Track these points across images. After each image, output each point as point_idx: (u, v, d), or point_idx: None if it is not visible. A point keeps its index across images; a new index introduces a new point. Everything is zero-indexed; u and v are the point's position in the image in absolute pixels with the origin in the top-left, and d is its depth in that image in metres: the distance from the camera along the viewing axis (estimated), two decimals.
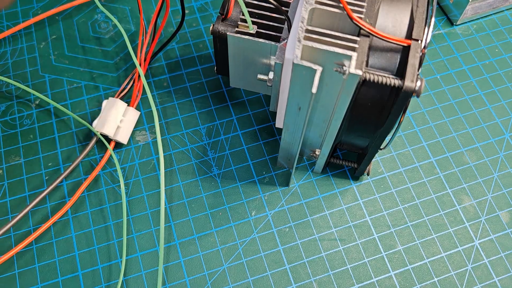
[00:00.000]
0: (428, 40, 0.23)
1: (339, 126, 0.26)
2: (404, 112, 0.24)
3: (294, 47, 0.22)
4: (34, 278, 0.28)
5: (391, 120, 0.24)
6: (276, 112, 0.29)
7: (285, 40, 0.26)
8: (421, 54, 0.22)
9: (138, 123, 0.32)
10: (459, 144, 0.32)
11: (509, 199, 0.30)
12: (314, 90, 0.21)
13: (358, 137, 0.27)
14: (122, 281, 0.27)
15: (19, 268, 0.28)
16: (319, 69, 0.21)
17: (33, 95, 0.32)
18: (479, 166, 0.32)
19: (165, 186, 0.30)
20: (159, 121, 0.32)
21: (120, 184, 0.30)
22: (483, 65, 0.35)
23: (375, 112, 0.24)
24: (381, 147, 0.27)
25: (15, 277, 0.28)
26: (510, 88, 0.34)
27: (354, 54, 0.21)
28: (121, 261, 0.28)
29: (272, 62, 0.27)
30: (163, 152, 0.31)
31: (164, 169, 0.30)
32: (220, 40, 0.27)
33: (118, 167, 0.29)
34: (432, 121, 0.33)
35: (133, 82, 0.31)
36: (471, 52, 0.35)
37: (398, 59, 0.23)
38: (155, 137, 0.32)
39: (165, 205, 0.30)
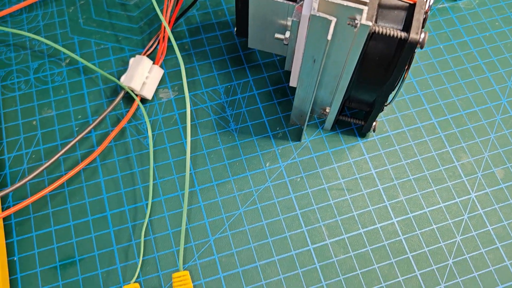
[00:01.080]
0: (431, 2, 0.25)
1: (348, 80, 0.28)
2: (409, 65, 0.26)
3: (310, 5, 0.24)
4: (66, 217, 0.30)
5: (397, 73, 0.27)
6: (290, 72, 0.32)
7: (301, 2, 0.28)
8: (424, 14, 0.24)
9: (161, 81, 0.34)
10: (459, 107, 0.35)
11: (504, 158, 0.33)
12: (329, 37, 0.23)
13: (365, 92, 0.29)
14: (148, 221, 0.30)
15: (53, 208, 0.30)
16: (334, 19, 0.23)
17: (64, 54, 0.35)
18: (477, 127, 0.34)
19: (187, 138, 0.32)
20: (181, 80, 0.34)
21: (144, 136, 0.32)
22: (484, 37, 0.37)
23: (382, 66, 0.27)
24: (386, 103, 0.30)
25: (49, 216, 0.30)
26: (509, 59, 0.36)
27: (365, 8, 0.24)
28: (146, 204, 0.31)
29: (289, 23, 0.30)
30: (185, 109, 0.33)
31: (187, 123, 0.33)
32: (241, 1, 0.29)
33: (145, 115, 0.31)
34: (434, 87, 0.35)
35: (158, 43, 0.34)
36: (472, 25, 0.38)
37: (404, 16, 0.26)
38: (177, 95, 0.34)
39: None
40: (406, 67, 0.27)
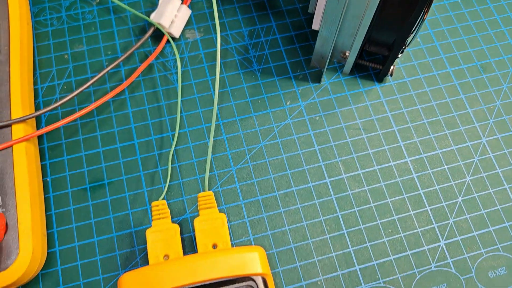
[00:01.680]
0: None
1: (370, 19, 0.29)
2: (429, 5, 0.28)
3: None
4: (96, 144, 0.32)
5: (418, 12, 0.28)
6: (313, 15, 0.33)
7: None
8: None
9: (188, 22, 0.36)
10: (474, 58, 0.36)
11: None
12: None
13: (386, 32, 0.31)
14: (174, 150, 0.31)
15: (83, 135, 0.32)
16: None
17: None
18: (491, 78, 0.35)
19: (211, 76, 0.34)
20: (207, 22, 0.36)
21: (170, 72, 0.34)
22: None
23: (404, 5, 0.28)
24: (405, 45, 0.31)
25: (80, 142, 0.32)
26: None
27: None
28: (172, 134, 0.32)
29: None
30: (210, 49, 0.35)
31: (212, 62, 0.34)
32: None
33: (175, 49, 0.33)
34: (451, 38, 0.37)
35: None
36: None
37: None
38: (203, 36, 0.35)
39: (211, 91, 0.34)
40: (426, 7, 0.28)
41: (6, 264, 0.25)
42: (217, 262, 0.25)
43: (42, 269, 0.29)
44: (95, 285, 0.28)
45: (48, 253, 0.29)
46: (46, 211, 0.30)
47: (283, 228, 0.30)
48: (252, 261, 0.25)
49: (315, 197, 0.31)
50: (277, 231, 0.30)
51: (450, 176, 0.32)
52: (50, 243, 0.29)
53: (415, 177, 0.32)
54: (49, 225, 0.30)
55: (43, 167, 0.31)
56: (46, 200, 0.30)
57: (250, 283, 0.25)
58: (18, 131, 0.28)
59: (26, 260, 0.26)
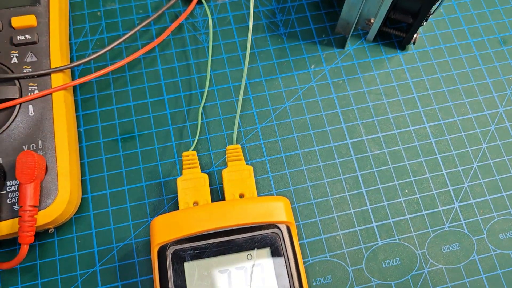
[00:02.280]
0: None
1: None
2: None
3: None
4: (127, 98, 0.33)
5: None
6: None
7: None
8: None
9: None
10: (495, 30, 0.37)
11: None
12: None
13: (411, 0, 0.32)
14: (203, 107, 0.33)
15: (115, 89, 0.33)
16: None
17: None
18: (510, 50, 0.36)
19: (239, 37, 0.35)
20: None
21: (200, 33, 0.35)
22: None
23: None
24: (430, 12, 0.32)
25: (112, 96, 0.33)
26: None
27: None
28: (200, 92, 0.33)
29: None
30: (238, 11, 0.36)
31: (240, 24, 0.35)
32: None
33: (207, 8, 0.34)
34: (473, 10, 0.37)
35: None
36: None
37: None
38: None
39: (238, 52, 0.35)
40: None
41: (46, 204, 0.27)
42: (244, 209, 0.27)
43: (75, 213, 0.30)
44: (124, 230, 0.30)
45: (81, 199, 0.30)
46: (79, 159, 0.31)
47: (305, 184, 0.32)
48: (277, 209, 0.27)
49: (336, 157, 0.32)
50: (299, 187, 0.31)
51: (467, 143, 0.33)
52: (83, 190, 0.31)
53: (433, 142, 0.33)
54: (82, 173, 0.31)
55: (77, 118, 0.32)
56: (79, 149, 0.32)
57: (275, 230, 0.27)
58: (57, 80, 0.29)
59: (64, 201, 0.27)
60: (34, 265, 0.29)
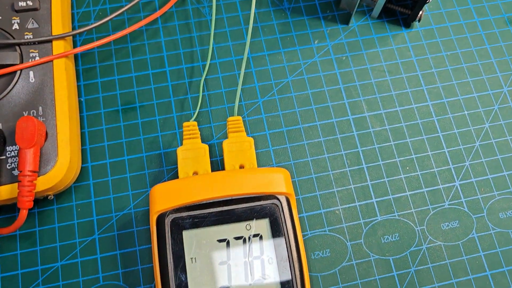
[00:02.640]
0: None
1: None
2: None
3: None
4: (129, 69, 0.33)
5: None
6: None
7: None
8: None
9: None
10: (501, 10, 0.36)
11: None
12: None
13: None
14: (204, 79, 0.32)
15: (117, 60, 0.33)
16: None
17: None
18: None
19: (242, 11, 0.35)
20: None
21: (203, 6, 0.35)
22: None
23: None
24: None
25: (113, 66, 0.33)
26: None
27: None
28: (202, 64, 0.33)
29: None
30: None
31: None
32: None
33: None
34: None
35: None
36: None
37: None
38: None
39: (241, 26, 0.34)
40: None
41: (45, 170, 0.27)
42: (244, 180, 0.27)
43: (75, 182, 0.30)
44: (124, 200, 0.30)
45: (81, 167, 0.30)
46: (80, 129, 0.31)
47: (306, 159, 0.31)
48: (277, 180, 0.27)
49: (337, 132, 0.32)
50: (299, 161, 0.31)
51: (469, 122, 0.33)
52: (83, 159, 0.31)
53: (436, 120, 0.33)
54: (82, 142, 0.31)
55: (78, 88, 0.32)
56: (80, 119, 0.31)
57: (275, 201, 0.26)
58: (59, 47, 0.29)
59: (63, 167, 0.27)
60: (33, 232, 0.29)
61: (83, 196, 0.30)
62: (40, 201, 0.29)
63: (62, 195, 0.30)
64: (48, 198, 0.28)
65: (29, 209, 0.29)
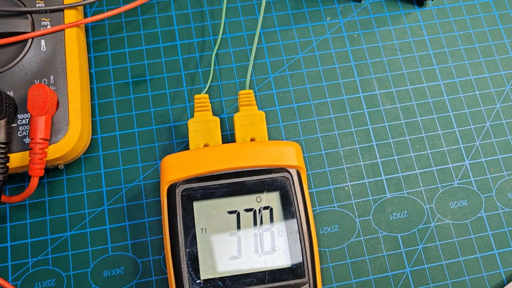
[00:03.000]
0: None
1: None
2: None
3: None
4: (139, 42, 0.33)
5: None
6: None
7: None
8: None
9: None
10: None
11: None
12: None
13: None
14: (215, 54, 0.32)
15: (127, 32, 0.33)
16: None
17: None
18: None
19: None
20: None
21: None
22: None
23: None
24: None
25: (124, 39, 0.33)
26: None
27: None
28: (213, 39, 0.33)
29: None
30: None
31: None
32: None
33: None
34: None
35: None
36: None
37: None
38: None
39: (253, 1, 0.34)
40: None
41: (56, 138, 0.27)
42: (255, 152, 0.27)
43: (85, 153, 0.30)
44: (133, 172, 0.30)
45: (91, 139, 0.30)
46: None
47: (316, 135, 0.31)
48: (288, 154, 0.27)
49: (348, 109, 0.32)
50: (309, 137, 0.31)
51: (480, 102, 0.33)
52: (93, 131, 0.31)
53: (447, 100, 0.33)
54: (92, 114, 0.31)
55: (88, 60, 0.32)
56: (90, 91, 0.31)
57: (285, 174, 0.26)
58: (70, 16, 0.29)
59: (74, 136, 0.27)
60: (43, 201, 0.29)
61: (93, 167, 0.30)
62: (50, 172, 0.30)
63: (71, 166, 0.30)
64: (59, 167, 0.28)
65: (39, 179, 0.29)
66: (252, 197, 0.26)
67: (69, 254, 0.28)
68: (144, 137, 0.31)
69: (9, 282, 0.27)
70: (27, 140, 0.26)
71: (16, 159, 0.26)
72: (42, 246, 0.28)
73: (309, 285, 0.25)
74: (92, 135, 0.30)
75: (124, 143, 0.30)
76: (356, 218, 0.30)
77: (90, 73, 0.32)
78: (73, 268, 0.28)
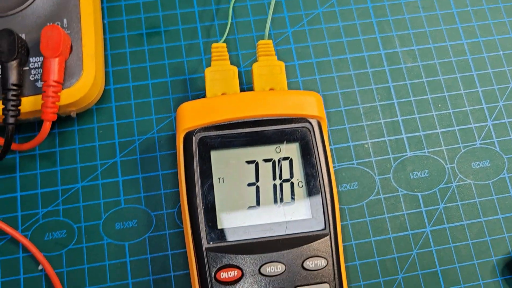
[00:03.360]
0: None
1: None
2: None
3: None
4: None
5: None
6: None
7: None
8: None
9: None
10: None
11: None
12: None
13: None
14: (233, 7, 0.31)
15: None
16: None
17: None
18: None
19: None
20: None
21: None
22: None
23: None
24: None
25: None
26: None
27: None
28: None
29: None
30: None
31: None
32: None
33: None
34: None
35: None
36: None
37: None
38: None
39: None
40: None
41: (70, 83, 0.26)
42: (275, 101, 0.26)
43: (96, 103, 0.29)
44: (147, 124, 0.29)
45: (103, 89, 0.29)
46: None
47: (335, 91, 0.30)
48: (309, 103, 0.26)
49: (368, 66, 0.31)
50: (328, 93, 0.30)
51: (504, 62, 0.32)
52: (106, 81, 0.30)
53: (470, 59, 0.32)
54: (105, 64, 0.30)
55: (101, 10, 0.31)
56: (103, 41, 0.30)
57: (306, 124, 0.26)
58: None
59: (88, 82, 0.26)
60: (54, 152, 0.28)
61: (105, 118, 0.29)
62: (62, 121, 0.29)
63: (83, 116, 0.29)
64: (71, 115, 0.27)
65: (50, 130, 0.28)
66: (271, 148, 0.25)
67: (80, 205, 0.27)
68: (158, 89, 0.30)
69: (19, 232, 0.27)
70: (39, 84, 0.26)
71: (28, 103, 0.25)
72: (53, 197, 0.28)
73: (330, 236, 0.24)
74: (105, 86, 0.29)
75: (138, 95, 0.29)
76: (376, 176, 0.29)
77: (103, 24, 0.31)
78: (84, 220, 0.27)
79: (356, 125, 0.30)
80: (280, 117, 0.25)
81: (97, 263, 0.27)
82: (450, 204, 0.29)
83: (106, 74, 0.30)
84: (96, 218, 0.27)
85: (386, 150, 0.29)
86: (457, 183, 0.29)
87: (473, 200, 0.29)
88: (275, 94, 0.26)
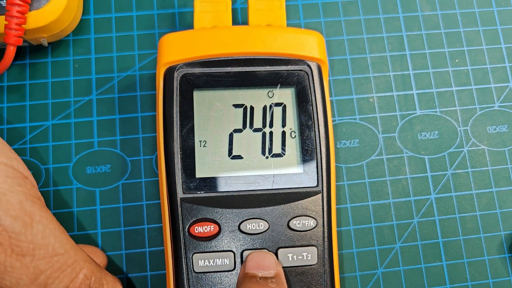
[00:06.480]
0: None
1: None
2: None
3: None
4: None
5: None
6: None
7: None
8: None
9: None
10: None
11: None
12: None
13: None
14: None
15: None
16: None
17: None
18: None
19: None
20: None
21: None
22: None
23: None
24: None
25: None
26: None
27: None
28: None
29: None
30: None
31: None
32: None
33: None
34: None
35: None
36: None
37: None
38: None
39: None
40: None
41: (39, 3, 0.23)
42: (270, 38, 0.22)
43: (73, 33, 0.26)
44: (128, 59, 0.26)
45: (81, 19, 0.26)
46: None
47: (341, 37, 0.27)
48: (309, 43, 0.23)
49: (380, 12, 0.28)
50: (333, 39, 0.27)
51: None
52: (84, 10, 0.27)
53: (495, 11, 0.28)
54: None
55: None
56: None
57: (304, 67, 0.22)
58: None
59: (61, 3, 0.23)
60: (23, 85, 0.25)
61: (82, 51, 0.26)
62: (33, 51, 0.26)
63: (58, 47, 0.26)
64: (42, 42, 0.24)
65: (20, 60, 0.25)
66: (263, 91, 0.22)
67: (49, 145, 0.25)
68: (143, 22, 0.26)
69: None
70: (3, 2, 0.22)
71: None
72: (20, 134, 0.25)
73: (322, 194, 0.21)
74: (83, 15, 0.26)
75: (120, 27, 0.26)
76: (380, 134, 0.26)
77: None
78: (53, 161, 0.25)
79: (361, 76, 0.26)
80: (275, 57, 0.22)
81: (64, 209, 0.24)
82: (460, 171, 0.26)
83: (86, 2, 0.26)
84: (66, 160, 0.25)
85: (393, 106, 0.26)
86: (469, 148, 0.26)
87: (485, 168, 0.26)
88: (271, 31, 0.23)
